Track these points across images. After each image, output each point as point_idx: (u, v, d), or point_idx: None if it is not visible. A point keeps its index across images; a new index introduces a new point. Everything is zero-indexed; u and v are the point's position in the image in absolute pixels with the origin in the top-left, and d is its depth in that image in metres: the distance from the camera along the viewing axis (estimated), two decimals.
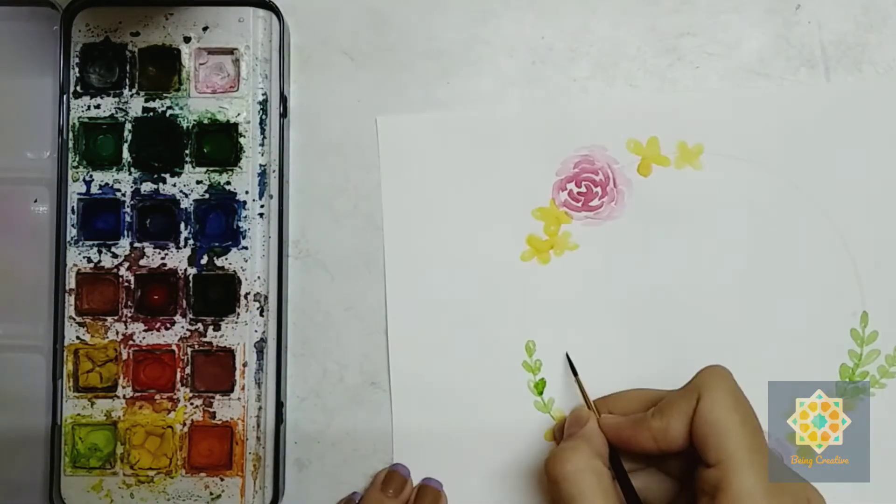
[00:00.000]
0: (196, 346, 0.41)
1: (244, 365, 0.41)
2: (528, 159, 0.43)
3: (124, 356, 0.41)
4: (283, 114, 0.42)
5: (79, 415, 0.41)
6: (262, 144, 0.41)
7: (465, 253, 0.43)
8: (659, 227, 0.43)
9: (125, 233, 0.41)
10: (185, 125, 0.41)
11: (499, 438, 0.42)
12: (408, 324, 0.43)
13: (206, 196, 0.41)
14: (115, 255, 0.41)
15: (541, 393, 0.42)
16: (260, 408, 0.41)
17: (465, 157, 0.43)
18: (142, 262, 0.41)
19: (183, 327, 0.41)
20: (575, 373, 0.41)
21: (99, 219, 0.41)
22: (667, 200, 0.43)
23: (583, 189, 0.43)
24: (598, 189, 0.43)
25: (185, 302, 0.41)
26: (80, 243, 0.41)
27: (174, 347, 0.41)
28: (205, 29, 0.41)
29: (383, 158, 0.43)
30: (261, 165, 0.41)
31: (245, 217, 0.41)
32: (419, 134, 0.43)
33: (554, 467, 0.36)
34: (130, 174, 0.41)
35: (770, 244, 0.42)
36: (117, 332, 0.41)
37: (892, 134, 0.43)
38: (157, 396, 0.41)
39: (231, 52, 0.41)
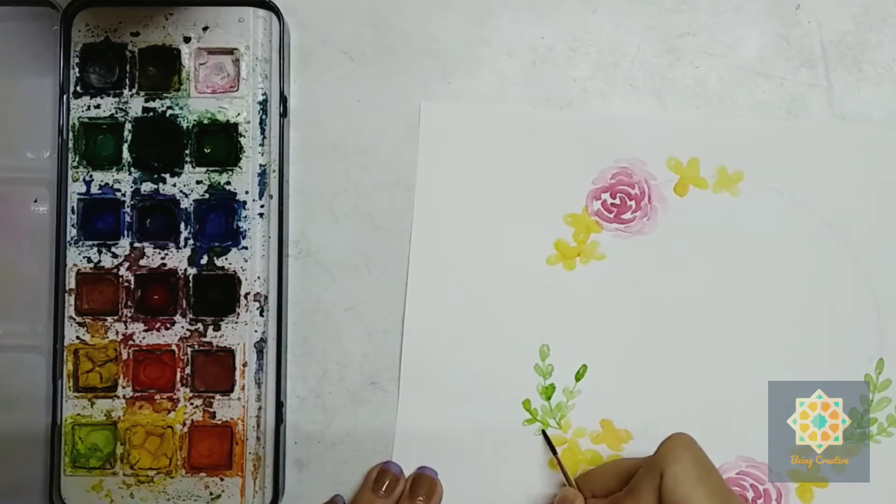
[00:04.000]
0: (196, 346, 0.41)
1: (244, 365, 0.41)
2: (566, 164, 0.43)
3: (124, 356, 0.41)
4: (283, 114, 0.42)
5: (79, 415, 0.41)
6: (262, 144, 0.41)
7: (491, 249, 0.43)
8: (688, 248, 0.42)
9: (125, 233, 0.41)
10: (185, 125, 0.41)
11: (501, 439, 0.42)
12: (425, 313, 0.43)
13: (206, 196, 0.41)
14: (115, 255, 0.41)
15: (548, 398, 0.42)
16: (260, 408, 0.41)
17: (505, 154, 0.43)
18: (142, 262, 0.41)
19: (183, 327, 0.41)
20: (554, 452, 0.41)
21: (99, 219, 0.41)
22: (700, 222, 0.43)
23: (617, 201, 0.43)
24: (633, 203, 0.43)
25: (185, 302, 0.41)
26: (80, 243, 0.41)
27: (174, 347, 0.41)
28: (205, 29, 0.41)
29: (423, 145, 0.43)
30: (261, 165, 0.41)
31: (245, 217, 0.41)
32: (462, 123, 0.43)
33: None
34: (130, 174, 0.41)
35: (797, 280, 0.42)
36: (117, 332, 0.41)
37: None
38: (157, 396, 0.41)
39: (231, 52, 0.41)
